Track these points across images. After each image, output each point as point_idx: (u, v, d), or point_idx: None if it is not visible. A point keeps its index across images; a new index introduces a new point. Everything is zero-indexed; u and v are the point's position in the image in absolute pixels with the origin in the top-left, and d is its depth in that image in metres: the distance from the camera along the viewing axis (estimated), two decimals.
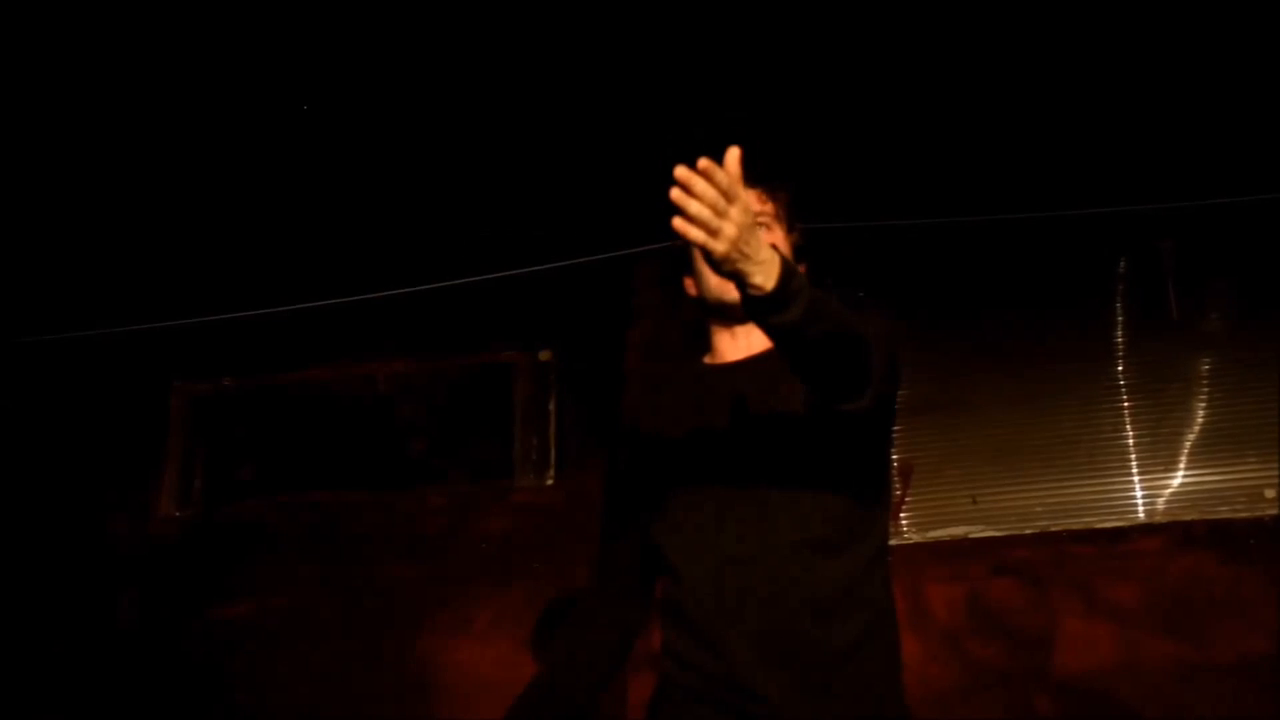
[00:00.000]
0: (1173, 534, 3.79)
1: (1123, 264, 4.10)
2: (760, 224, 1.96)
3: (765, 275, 1.60)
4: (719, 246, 1.56)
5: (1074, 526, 3.87)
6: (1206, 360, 3.97)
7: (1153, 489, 3.89)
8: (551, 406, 4.41)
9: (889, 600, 2.01)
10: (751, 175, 1.81)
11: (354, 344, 4.59)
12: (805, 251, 2.12)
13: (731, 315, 2.04)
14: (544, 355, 4.46)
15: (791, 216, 2.08)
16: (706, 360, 2.13)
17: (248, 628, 4.27)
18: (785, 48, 3.53)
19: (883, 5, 3.35)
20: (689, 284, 2.12)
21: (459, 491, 4.36)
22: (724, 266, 1.59)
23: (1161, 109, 3.80)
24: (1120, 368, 4.04)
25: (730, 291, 1.79)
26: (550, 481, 4.29)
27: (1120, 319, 4.08)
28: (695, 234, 1.55)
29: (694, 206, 1.52)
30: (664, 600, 2.03)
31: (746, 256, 1.58)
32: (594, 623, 2.17)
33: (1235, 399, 3.90)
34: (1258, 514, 3.74)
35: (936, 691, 3.68)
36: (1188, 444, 3.92)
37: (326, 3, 3.25)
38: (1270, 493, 3.76)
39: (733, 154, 1.56)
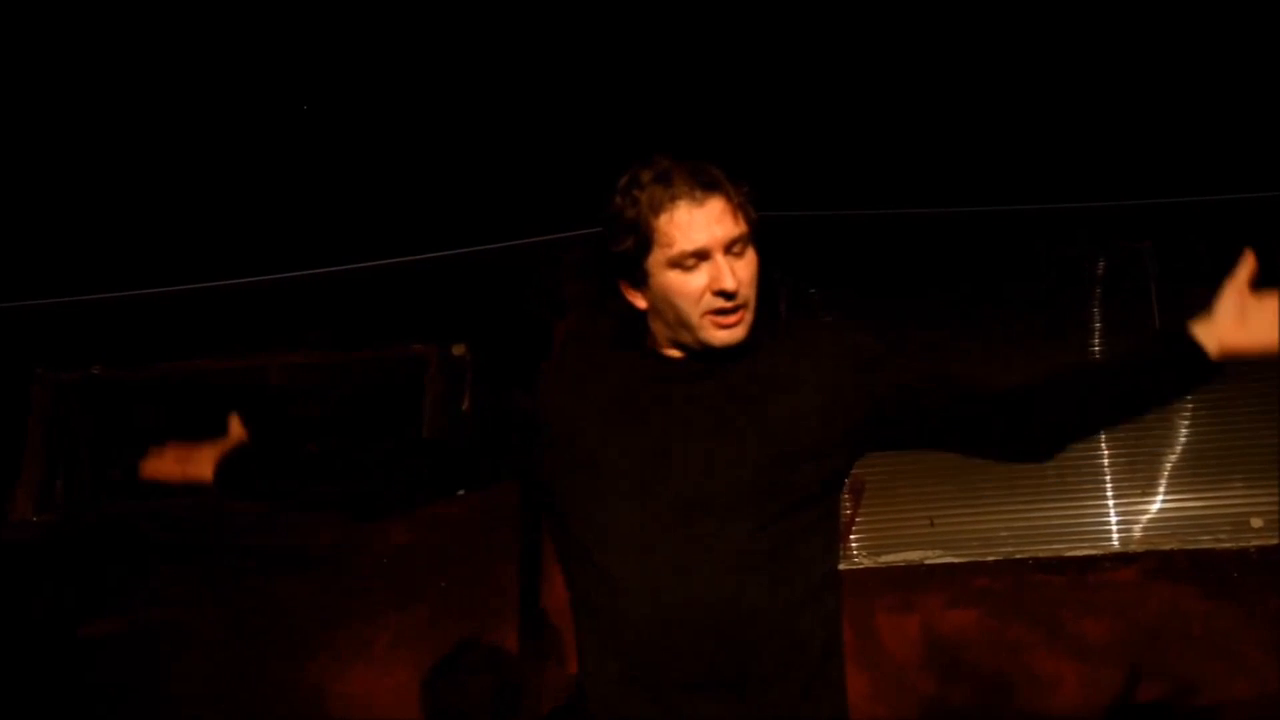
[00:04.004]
0: (1149, 564, 3.76)
1: (1101, 265, 4.06)
2: (739, 251, 1.88)
3: None
4: None
5: (1041, 554, 3.83)
6: None
7: (1128, 514, 3.86)
8: (465, 406, 4.33)
9: (839, 629, 1.96)
10: (723, 190, 1.85)
11: (244, 331, 4.46)
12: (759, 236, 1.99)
13: (710, 354, 1.93)
14: (458, 349, 4.37)
15: (752, 218, 1.94)
16: (653, 348, 2.01)
17: (114, 647, 4.14)
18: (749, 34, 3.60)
19: None
20: (636, 298, 1.98)
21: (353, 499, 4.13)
22: None
23: (1140, 101, 3.77)
24: None
25: (721, 338, 1.86)
26: (460, 491, 3.99)
27: (1097, 325, 4.03)
28: None
29: None
30: (583, 604, 1.96)
31: None
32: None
33: (1221, 417, 3.86)
34: (1242, 544, 3.72)
35: None
36: (1168, 465, 3.88)
37: None
38: (1257, 521, 3.75)
39: None
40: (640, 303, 1.96)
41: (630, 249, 1.86)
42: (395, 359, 4.38)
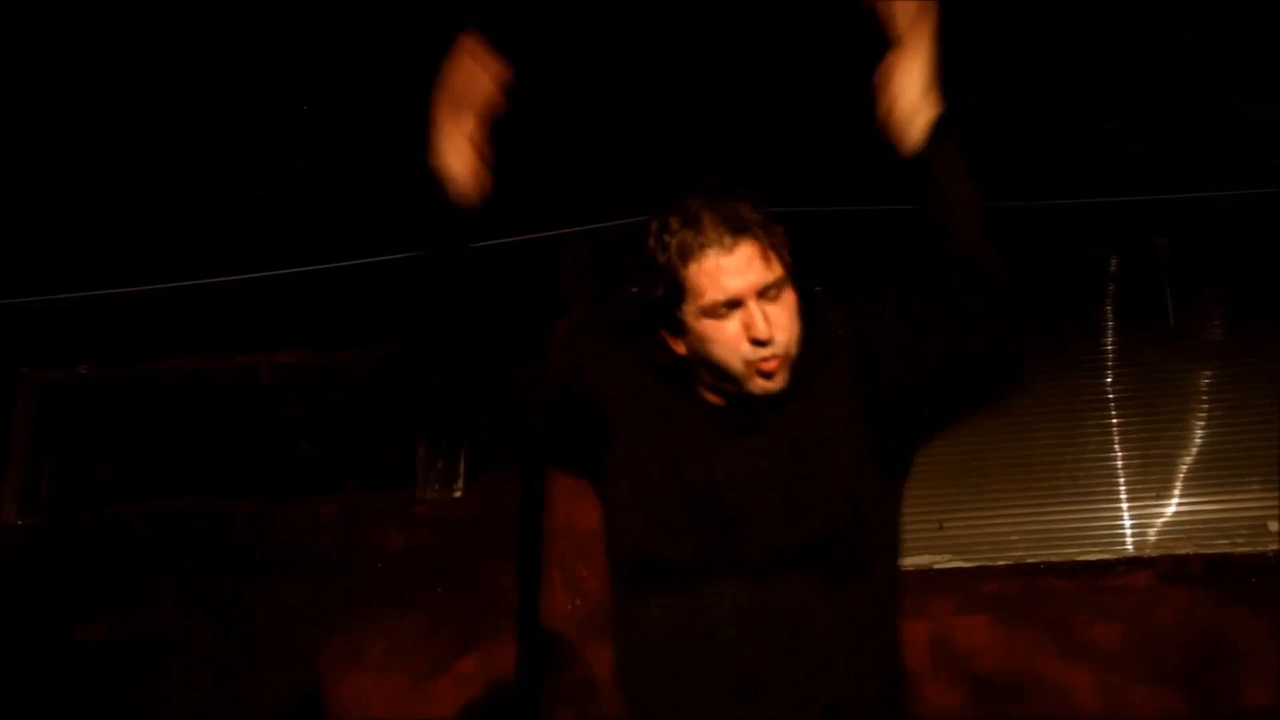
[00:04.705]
0: (1164, 569, 3.72)
1: (1114, 263, 4.03)
2: (774, 297, 1.84)
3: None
4: None
5: (1052, 558, 3.80)
6: (1206, 373, 3.90)
7: (1142, 518, 3.82)
8: None
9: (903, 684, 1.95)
10: (754, 234, 1.83)
11: (235, 330, 4.44)
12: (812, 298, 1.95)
13: (724, 382, 1.89)
14: None
15: (788, 259, 1.90)
16: (700, 392, 1.96)
17: (102, 654, 4.13)
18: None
19: None
20: (676, 345, 1.95)
21: (353, 502, 4.26)
22: None
23: (1156, 92, 3.79)
24: (1109, 379, 3.97)
25: (763, 387, 1.83)
26: (459, 493, 4.20)
27: (1110, 324, 4.00)
28: None
29: None
30: (630, 623, 1.94)
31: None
32: None
33: (1237, 417, 3.82)
34: (1260, 549, 3.68)
35: None
36: (1183, 467, 3.85)
37: None
38: (1275, 525, 3.71)
39: None
40: (680, 349, 1.94)
41: (662, 297, 1.85)
42: (390, 358, 4.30)
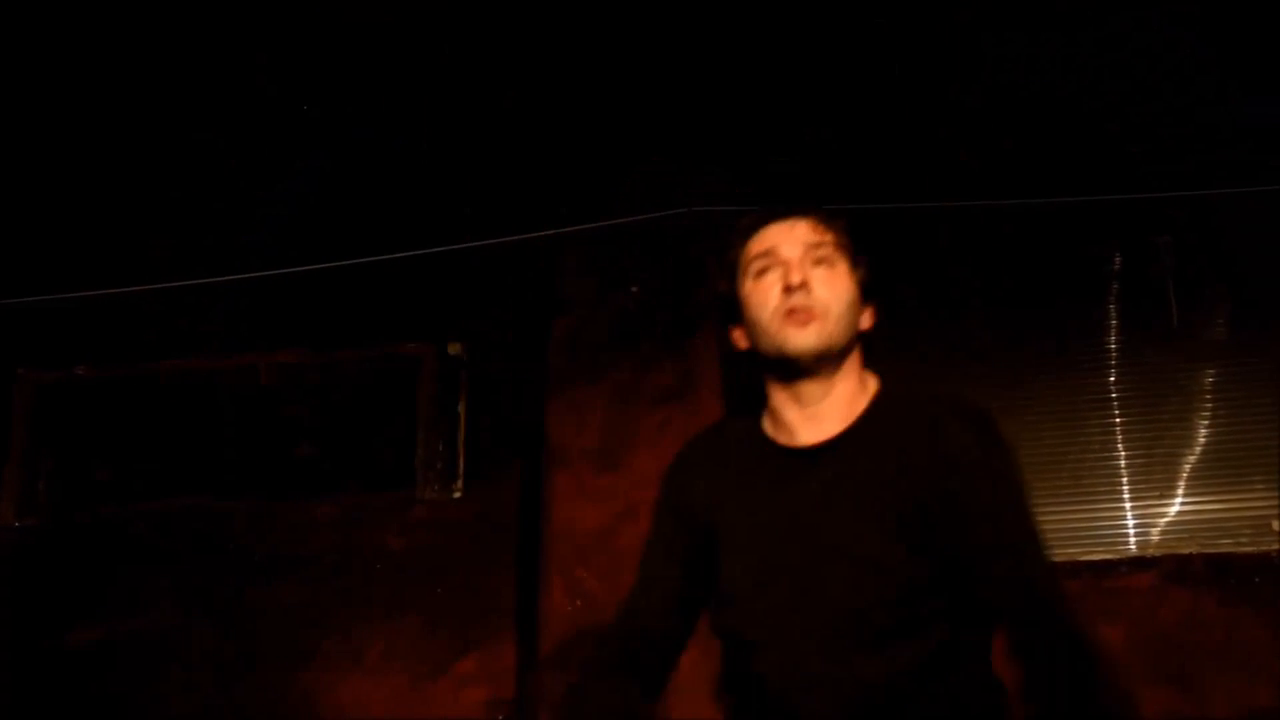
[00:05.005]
0: (1167, 569, 3.70)
1: (1116, 262, 4.01)
2: (820, 258, 1.87)
3: None
4: None
5: (1055, 558, 3.68)
6: (1210, 372, 3.88)
7: (1145, 517, 3.80)
8: (461, 408, 4.28)
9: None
10: (814, 215, 1.88)
11: (234, 329, 4.42)
12: (873, 290, 1.94)
13: (794, 370, 1.89)
14: (453, 348, 4.31)
15: (854, 248, 1.94)
16: (773, 434, 1.96)
17: (100, 656, 4.10)
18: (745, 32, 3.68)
19: None
20: (737, 336, 1.98)
21: (352, 502, 4.24)
22: None
23: (1156, 92, 3.80)
24: (1111, 378, 3.96)
25: (795, 340, 1.82)
26: (458, 494, 4.18)
27: (1112, 323, 3.98)
28: None
29: None
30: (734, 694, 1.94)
31: None
32: (603, 691, 2.03)
33: (1241, 417, 3.81)
34: (1263, 548, 3.65)
35: None
36: (1186, 466, 3.83)
37: None
38: (1278, 524, 3.69)
39: None
40: (742, 341, 1.96)
41: (727, 287, 1.91)
42: (389, 358, 4.35)
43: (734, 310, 1.94)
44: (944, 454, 1.81)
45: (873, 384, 1.91)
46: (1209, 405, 3.86)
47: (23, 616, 4.17)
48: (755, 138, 3.96)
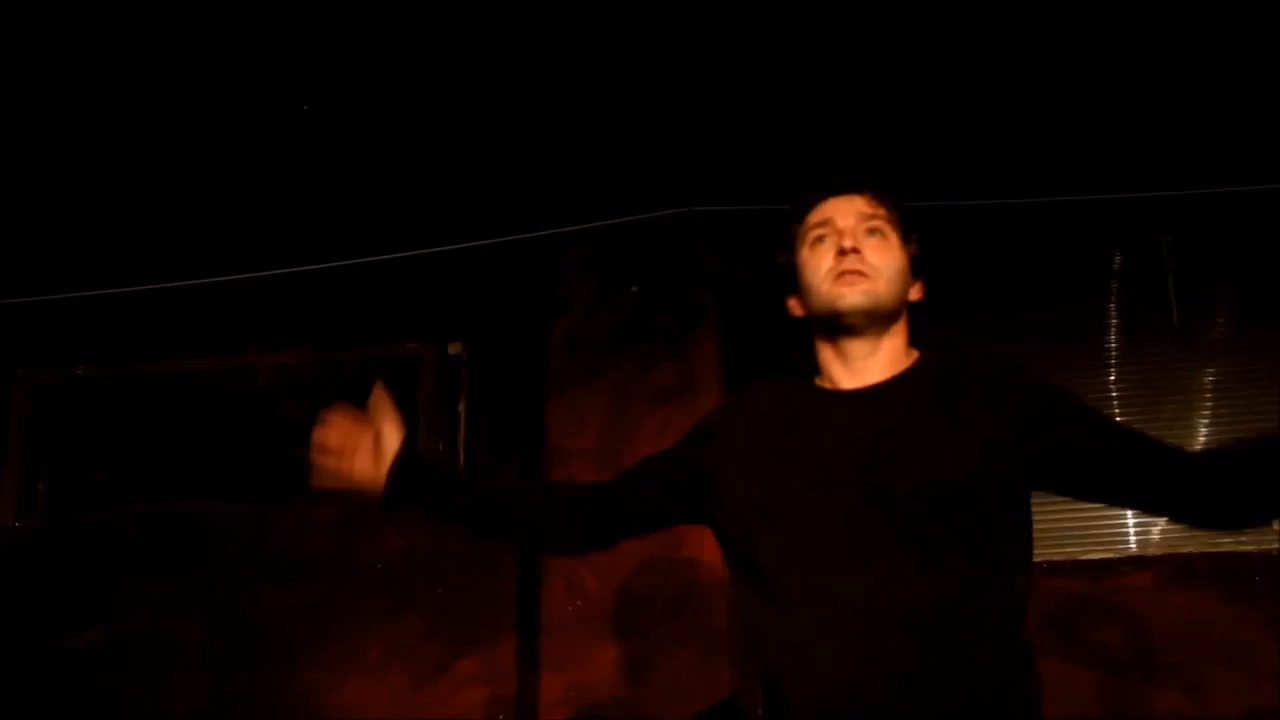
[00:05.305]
0: (1168, 568, 3.71)
1: (1118, 260, 4.03)
2: (873, 229, 1.99)
3: None
4: None
5: (1055, 557, 3.77)
6: (1211, 371, 3.89)
7: (1146, 517, 3.77)
8: (461, 407, 4.29)
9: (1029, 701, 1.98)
10: (854, 181, 2.00)
11: (231, 330, 4.43)
12: (923, 265, 2.07)
13: (843, 328, 2.00)
14: (453, 348, 4.34)
15: (905, 224, 2.06)
16: (821, 384, 2.07)
17: (97, 658, 4.11)
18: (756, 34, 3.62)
19: None
20: (793, 304, 2.10)
21: (349, 504, 3.98)
22: None
23: (1163, 87, 3.72)
24: (1113, 377, 3.97)
25: (845, 297, 1.92)
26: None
27: (1114, 322, 4.00)
28: None
29: None
30: (765, 641, 1.95)
31: None
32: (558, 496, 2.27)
33: (1242, 415, 3.80)
34: (1264, 547, 3.62)
35: None
36: None
37: None
38: (1278, 524, 3.53)
39: None
40: (798, 310, 2.07)
41: (786, 259, 2.02)
42: (389, 358, 4.34)
43: (791, 280, 2.05)
44: (1006, 380, 1.92)
45: (916, 354, 2.02)
46: (1210, 404, 3.86)
47: (21, 617, 4.17)
48: (755, 138, 3.92)
